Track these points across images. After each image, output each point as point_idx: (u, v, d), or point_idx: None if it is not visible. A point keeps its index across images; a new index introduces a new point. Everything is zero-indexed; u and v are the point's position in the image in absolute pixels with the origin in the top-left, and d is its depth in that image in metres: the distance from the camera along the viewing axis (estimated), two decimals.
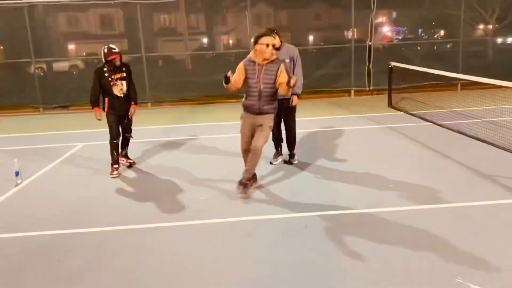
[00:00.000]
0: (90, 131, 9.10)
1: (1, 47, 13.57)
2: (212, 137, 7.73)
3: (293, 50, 5.53)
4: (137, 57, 12.43)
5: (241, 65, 4.71)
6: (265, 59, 4.57)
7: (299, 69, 5.61)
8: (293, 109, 5.74)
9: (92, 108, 5.89)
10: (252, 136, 4.72)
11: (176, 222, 4.16)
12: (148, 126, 9.14)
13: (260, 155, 4.65)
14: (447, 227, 3.74)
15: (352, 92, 12.65)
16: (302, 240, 3.65)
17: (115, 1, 12.33)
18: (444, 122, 7.87)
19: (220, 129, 8.42)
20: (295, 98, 5.58)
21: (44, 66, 12.61)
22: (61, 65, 14.00)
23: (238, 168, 5.03)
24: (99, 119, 5.89)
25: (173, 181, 5.43)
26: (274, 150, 6.05)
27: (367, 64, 12.23)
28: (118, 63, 5.68)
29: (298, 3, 12.79)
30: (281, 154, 6.06)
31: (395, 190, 4.74)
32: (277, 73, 4.57)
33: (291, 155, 5.97)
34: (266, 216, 4.18)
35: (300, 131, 7.95)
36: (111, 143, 5.92)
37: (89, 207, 4.69)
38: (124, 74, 5.80)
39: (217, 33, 16.53)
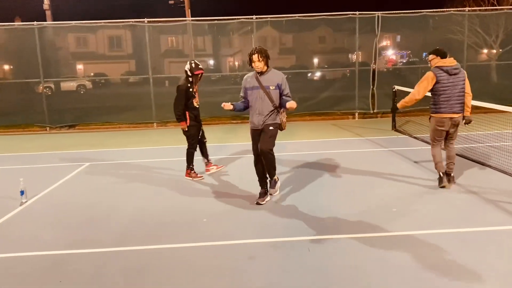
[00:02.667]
0: (96, 150, 9.20)
1: (10, 67, 13.85)
2: (218, 158, 7.78)
3: (278, 76, 5.25)
4: (144, 78, 12.61)
5: None
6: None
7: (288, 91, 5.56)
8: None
9: (179, 122, 6.36)
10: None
11: (179, 244, 4.17)
12: (155, 146, 9.24)
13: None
14: (452, 252, 3.72)
15: (356, 114, 12.73)
16: (304, 263, 3.64)
17: (124, 23, 12.56)
18: None
19: (227, 149, 8.48)
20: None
21: (52, 85, 12.82)
22: (68, 85, 14.25)
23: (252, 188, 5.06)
24: (186, 129, 6.39)
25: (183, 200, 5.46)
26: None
27: (371, 87, 12.34)
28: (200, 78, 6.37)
29: (303, 26, 12.98)
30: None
31: (399, 214, 4.73)
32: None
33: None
34: (268, 239, 4.17)
35: (304, 152, 8.04)
36: (190, 153, 6.52)
37: (92, 227, 4.71)
38: (197, 87, 6.46)
39: (223, 55, 16.77)
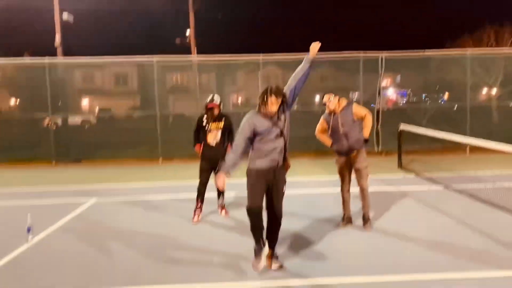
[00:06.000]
0: (103, 186, 9.17)
1: (18, 101, 14.04)
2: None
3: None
4: (150, 114, 12.72)
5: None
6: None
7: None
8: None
9: (193, 146, 6.38)
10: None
11: (190, 283, 4.10)
12: (162, 182, 9.23)
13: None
14: None
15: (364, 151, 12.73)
16: None
17: (132, 60, 12.82)
18: (456, 186, 7.87)
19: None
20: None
21: (59, 120, 12.92)
22: (74, 120, 14.40)
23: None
24: (198, 153, 6.33)
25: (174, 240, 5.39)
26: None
27: (375, 125, 12.44)
28: (216, 113, 6.08)
29: None
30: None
31: (412, 256, 4.68)
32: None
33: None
34: (276, 281, 4.11)
35: (308, 191, 7.99)
36: (198, 190, 6.24)
37: (101, 266, 4.63)
38: (221, 125, 6.18)
39: (228, 91, 17.01)
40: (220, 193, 6.48)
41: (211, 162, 6.18)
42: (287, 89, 4.29)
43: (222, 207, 6.57)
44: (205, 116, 6.18)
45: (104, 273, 4.43)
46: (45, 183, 9.69)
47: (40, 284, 4.21)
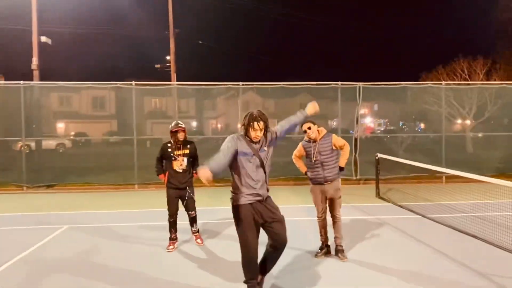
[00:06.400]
0: (76, 212, 8.90)
1: None
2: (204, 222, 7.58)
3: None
4: (127, 138, 12.53)
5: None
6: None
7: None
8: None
9: (158, 175, 6.25)
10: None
11: None
12: (137, 209, 8.99)
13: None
14: None
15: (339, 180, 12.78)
16: None
17: (111, 85, 12.69)
18: (433, 215, 7.92)
19: (214, 214, 8.30)
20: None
21: (33, 144, 12.59)
22: (48, 143, 14.05)
23: None
24: (164, 182, 6.17)
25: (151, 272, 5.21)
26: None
27: (353, 153, 12.54)
28: (181, 138, 5.98)
29: (286, 93, 13.27)
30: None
31: (389, 286, 4.62)
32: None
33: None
34: None
35: (287, 219, 7.89)
36: (168, 221, 6.12)
37: None
38: (187, 151, 6.06)
39: (206, 117, 16.99)
40: (193, 221, 6.30)
41: (178, 190, 6.05)
42: (280, 127, 4.25)
43: (196, 234, 6.40)
44: (170, 143, 6.06)
45: None
46: (15, 209, 9.33)
47: None
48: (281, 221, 4.10)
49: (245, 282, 4.12)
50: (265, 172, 4.05)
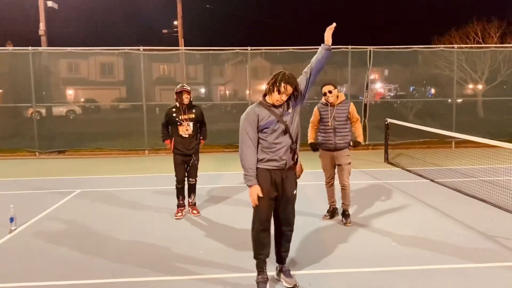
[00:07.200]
0: (87, 177, 9.06)
1: (1, 91, 13.73)
2: (215, 187, 7.70)
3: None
4: (137, 105, 12.58)
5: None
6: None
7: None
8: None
9: (163, 141, 6.15)
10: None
11: (176, 276, 4.05)
12: (147, 174, 9.13)
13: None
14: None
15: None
16: None
17: (119, 51, 12.62)
18: (442, 180, 7.93)
19: (222, 179, 8.41)
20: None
21: (43, 110, 12.69)
22: (58, 110, 14.13)
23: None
24: (169, 148, 6.07)
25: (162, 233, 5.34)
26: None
27: (362, 119, 12.47)
28: (186, 100, 5.81)
29: (295, 58, 13.09)
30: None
31: (397, 248, 4.69)
32: None
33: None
34: (270, 272, 4.08)
35: (303, 183, 7.94)
36: (176, 187, 6.04)
37: (84, 258, 4.56)
38: (193, 116, 5.92)
39: (215, 83, 16.89)
40: (192, 189, 6.18)
41: (185, 156, 5.95)
42: (302, 78, 3.70)
43: (193, 206, 6.24)
44: (175, 108, 5.89)
45: (89, 265, 4.36)
46: (29, 174, 9.52)
47: (22, 274, 4.12)
48: (292, 201, 3.81)
49: (254, 257, 3.85)
50: (291, 138, 3.65)
